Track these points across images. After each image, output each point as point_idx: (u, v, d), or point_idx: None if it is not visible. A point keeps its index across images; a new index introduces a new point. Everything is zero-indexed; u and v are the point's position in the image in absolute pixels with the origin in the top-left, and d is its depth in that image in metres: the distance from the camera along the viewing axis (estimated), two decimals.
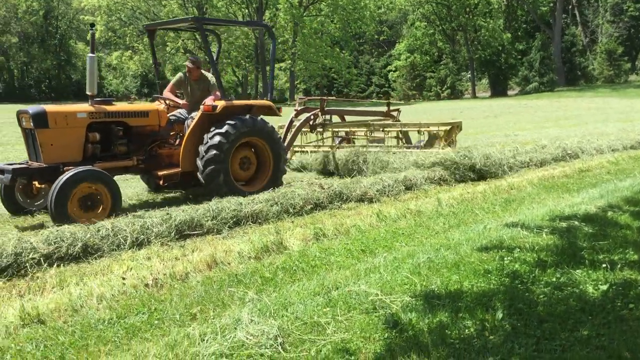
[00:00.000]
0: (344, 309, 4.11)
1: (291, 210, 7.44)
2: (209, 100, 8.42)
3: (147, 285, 4.96)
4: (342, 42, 66.12)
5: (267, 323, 3.81)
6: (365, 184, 8.45)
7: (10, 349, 3.78)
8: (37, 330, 4.09)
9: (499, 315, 3.85)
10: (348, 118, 13.41)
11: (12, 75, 63.37)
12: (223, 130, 8.07)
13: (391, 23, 78.92)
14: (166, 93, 9.01)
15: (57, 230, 5.98)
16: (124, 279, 5.06)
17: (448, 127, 10.76)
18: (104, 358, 3.62)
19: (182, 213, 6.77)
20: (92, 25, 8.35)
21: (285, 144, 10.85)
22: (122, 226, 6.28)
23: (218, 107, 8.25)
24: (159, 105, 8.55)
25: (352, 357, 3.41)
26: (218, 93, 8.76)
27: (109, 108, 7.88)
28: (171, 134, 8.67)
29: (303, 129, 12.02)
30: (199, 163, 8.11)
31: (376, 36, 75.73)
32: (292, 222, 7.06)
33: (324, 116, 11.90)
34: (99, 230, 6.13)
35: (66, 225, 6.22)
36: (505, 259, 5.04)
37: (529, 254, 5.15)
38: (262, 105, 9.09)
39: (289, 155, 11.78)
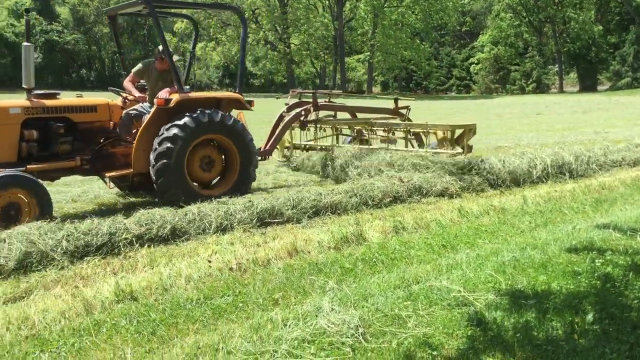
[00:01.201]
0: (425, 304, 4.08)
1: (370, 203, 7.44)
2: (162, 93, 7.52)
3: (231, 269, 5.12)
4: (423, 33, 65.07)
5: (348, 313, 3.84)
6: (447, 179, 8.25)
7: (106, 323, 4.02)
8: (130, 307, 4.33)
9: (590, 318, 3.70)
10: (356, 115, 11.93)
11: (103, 64, 66.77)
12: (181, 122, 7.20)
13: (474, 14, 76.84)
14: (126, 83, 8.10)
15: (148, 213, 6.28)
16: (209, 262, 5.25)
17: (460, 130, 9.39)
18: (193, 336, 3.78)
19: (263, 201, 6.92)
20: (27, 11, 7.98)
21: (271, 141, 9.80)
22: (208, 211, 6.50)
23: (172, 101, 7.33)
24: (110, 99, 7.75)
25: (435, 352, 3.38)
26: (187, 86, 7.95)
27: (47, 103, 7.05)
28: (133, 131, 7.69)
29: (293, 125, 10.70)
30: (151, 157, 7.22)
31: (458, 27, 74.01)
32: (371, 214, 7.06)
33: (316, 112, 10.67)
34: (186, 214, 6.37)
35: (156, 208, 6.51)
36: (597, 261, 4.83)
37: (621, 257, 4.91)
38: (228, 98, 8.12)
39: (275, 154, 10.99)
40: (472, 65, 69.07)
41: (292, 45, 62.51)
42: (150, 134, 7.29)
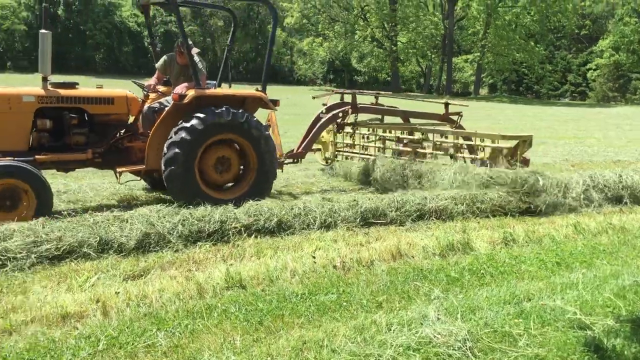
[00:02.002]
0: (538, 323, 3.91)
1: (477, 211, 7.22)
2: (179, 88, 7.25)
3: (335, 266, 5.17)
4: (538, 35, 62.14)
5: (455, 324, 3.76)
6: (574, 194, 7.73)
7: (217, 308, 4.19)
8: (239, 294, 4.48)
9: None
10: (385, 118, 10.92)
11: (215, 55, 69.54)
12: (189, 124, 6.80)
13: (595, 17, 72.36)
14: (153, 79, 7.93)
15: (257, 205, 6.47)
16: (314, 257, 5.33)
17: (513, 143, 8.31)
18: (297, 330, 3.86)
19: (368, 201, 6.92)
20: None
21: (305, 143, 9.16)
22: (313, 207, 6.59)
23: (187, 97, 7.00)
24: (129, 92, 7.42)
25: None
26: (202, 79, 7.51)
27: (62, 92, 6.83)
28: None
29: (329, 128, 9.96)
30: (162, 162, 6.90)
31: (576, 30, 70.02)
32: (478, 222, 6.85)
33: (355, 114, 9.77)
34: (292, 209, 6.49)
35: (264, 201, 6.69)
36: None
37: None
38: (250, 96, 7.57)
39: (319, 157, 10.57)
40: (590, 71, 65.13)
41: (398, 43, 61.93)
42: (164, 130, 6.97)
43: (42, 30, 6.63)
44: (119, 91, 7.28)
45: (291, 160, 8.80)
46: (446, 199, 7.20)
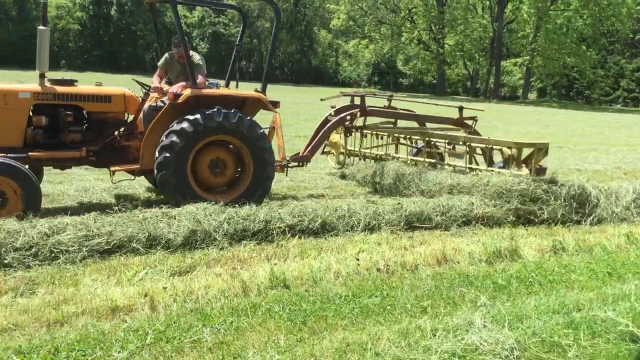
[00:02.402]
0: (588, 334, 3.80)
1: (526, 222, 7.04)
2: (175, 87, 7.11)
3: (378, 269, 5.14)
4: (590, 39, 60.44)
5: (502, 333, 3.68)
6: (624, 202, 7.52)
7: (261, 307, 4.22)
8: (282, 294, 4.51)
9: None
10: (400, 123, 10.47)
11: (261, 57, 70.24)
12: (178, 127, 6.64)
13: None
14: (155, 78, 7.74)
15: (301, 205, 6.50)
16: (357, 259, 5.31)
17: (529, 150, 7.81)
18: (341, 332, 3.85)
19: (412, 205, 6.86)
20: None
21: (311, 145, 8.89)
22: (357, 209, 6.58)
23: (182, 97, 6.85)
24: (127, 90, 7.23)
25: None
26: (201, 77, 7.28)
27: (59, 89, 6.72)
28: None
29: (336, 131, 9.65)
30: (154, 166, 6.77)
31: (631, 35, 67.79)
32: (526, 230, 6.70)
33: (364, 117, 9.47)
34: (336, 210, 6.50)
35: (309, 201, 6.71)
36: None
37: None
38: (249, 97, 7.32)
39: (332, 161, 10.22)
40: None
41: (445, 46, 61.28)
42: (160, 130, 6.82)
43: (41, 27, 6.48)
44: (116, 89, 7.15)
45: (297, 163, 8.49)
46: (494, 206, 7.06)
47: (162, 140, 6.65)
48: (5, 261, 4.81)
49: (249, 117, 7.01)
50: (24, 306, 4.05)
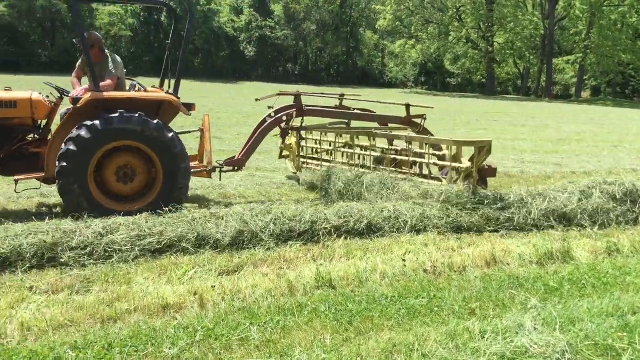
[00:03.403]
0: None
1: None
2: (76, 91, 6.74)
3: (425, 271, 5.09)
4: None
5: (554, 335, 3.59)
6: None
7: (307, 306, 4.25)
8: (328, 294, 4.52)
9: None
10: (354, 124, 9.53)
11: (307, 59, 70.58)
12: (75, 134, 6.21)
13: None
14: (73, 78, 7.27)
15: (347, 206, 6.49)
16: (404, 260, 5.28)
17: (475, 148, 6.93)
18: (387, 332, 3.83)
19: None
20: None
21: (245, 149, 8.21)
22: (404, 211, 6.52)
23: (81, 101, 6.43)
24: (36, 94, 6.78)
25: None
26: (109, 80, 6.84)
27: None
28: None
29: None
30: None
31: None
32: (579, 231, 6.51)
33: (301, 117, 8.72)
34: (382, 211, 6.46)
35: (354, 203, 6.70)
36: None
37: None
38: (157, 99, 6.85)
39: (290, 165, 9.50)
40: None
41: (495, 44, 60.10)
42: (64, 136, 6.41)
43: None
44: (22, 94, 6.73)
45: (231, 168, 7.99)
46: (541, 210, 6.85)
47: (61, 148, 6.26)
48: (62, 260, 5.00)
49: (156, 121, 6.49)
50: (80, 303, 4.20)
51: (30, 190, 7.45)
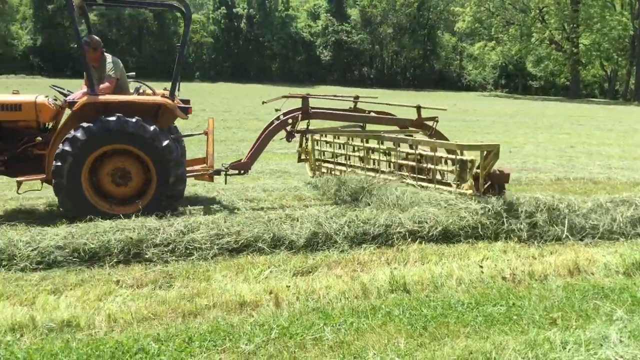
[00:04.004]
0: None
1: None
2: (74, 95, 6.82)
3: (504, 278, 4.96)
4: None
5: None
6: None
7: (381, 310, 4.24)
8: (402, 298, 4.49)
9: None
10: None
11: (383, 63, 70.32)
12: (71, 135, 6.29)
13: None
14: (82, 85, 7.27)
15: (423, 211, 6.39)
16: (481, 267, 5.16)
17: (481, 153, 6.61)
18: (463, 339, 3.76)
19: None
20: None
21: (251, 152, 7.96)
22: (484, 220, 6.31)
23: (77, 104, 6.50)
24: (41, 97, 6.85)
25: None
26: (107, 83, 6.84)
27: None
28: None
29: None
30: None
31: None
32: None
33: (307, 120, 8.31)
34: (461, 219, 6.29)
35: (431, 208, 6.59)
36: None
37: None
38: (151, 103, 6.81)
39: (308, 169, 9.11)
40: None
41: (580, 45, 57.54)
42: (62, 138, 6.48)
43: None
44: (27, 97, 6.84)
45: (236, 171, 7.79)
46: (626, 217, 6.50)
47: (58, 149, 6.36)
48: (146, 256, 5.24)
49: (153, 127, 6.48)
50: (162, 298, 4.39)
51: None
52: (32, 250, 5.09)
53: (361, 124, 8.81)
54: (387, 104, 8.86)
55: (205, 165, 7.74)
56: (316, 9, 68.53)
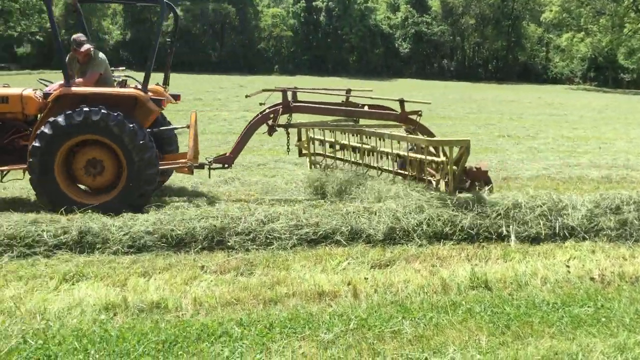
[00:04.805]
0: None
1: None
2: (50, 87, 6.91)
3: (592, 279, 4.76)
4: None
5: None
6: None
7: (461, 306, 4.17)
8: (484, 295, 4.40)
9: None
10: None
11: (464, 55, 68.63)
12: (40, 130, 6.38)
13: None
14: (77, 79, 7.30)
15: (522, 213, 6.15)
16: (567, 266, 4.97)
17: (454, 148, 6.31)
18: (548, 340, 3.64)
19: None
20: None
21: (234, 147, 7.76)
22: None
23: (50, 96, 6.63)
24: (28, 90, 6.97)
25: None
26: (89, 76, 6.92)
27: None
28: None
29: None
30: None
31: None
32: None
33: (288, 115, 7.97)
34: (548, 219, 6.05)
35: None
36: None
37: None
38: (123, 95, 6.80)
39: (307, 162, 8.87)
40: None
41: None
42: None
43: None
44: (13, 90, 7.01)
45: (220, 165, 7.72)
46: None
47: (32, 145, 6.49)
48: (229, 244, 5.41)
49: (116, 114, 6.47)
50: (244, 284, 4.52)
51: None
52: (124, 234, 5.38)
53: (354, 118, 8.45)
54: (369, 97, 8.46)
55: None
56: (396, 0, 67.77)
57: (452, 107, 23.42)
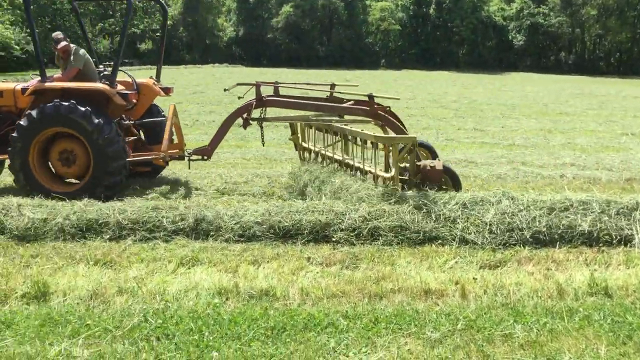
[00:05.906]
0: None
1: None
2: (30, 82, 7.29)
3: None
4: None
5: None
6: None
7: (578, 312, 3.95)
8: (604, 302, 4.13)
9: None
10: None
11: (584, 47, 64.53)
12: (18, 123, 6.89)
13: None
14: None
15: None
16: None
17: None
18: None
19: None
20: None
21: (211, 140, 7.73)
22: None
23: (27, 90, 7.12)
24: (20, 85, 7.39)
25: None
26: (68, 72, 7.29)
27: None
28: None
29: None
30: None
31: None
32: None
33: (262, 109, 7.83)
34: None
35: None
36: None
37: None
38: (90, 89, 7.11)
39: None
40: None
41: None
42: None
43: None
44: (7, 85, 7.54)
45: (199, 157, 7.80)
46: None
47: (12, 133, 6.98)
48: (334, 239, 5.45)
49: (85, 108, 6.79)
50: (349, 277, 4.55)
51: None
52: (235, 223, 5.60)
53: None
54: (339, 92, 8.25)
55: (176, 150, 7.97)
56: None
57: (569, 103, 22.11)
